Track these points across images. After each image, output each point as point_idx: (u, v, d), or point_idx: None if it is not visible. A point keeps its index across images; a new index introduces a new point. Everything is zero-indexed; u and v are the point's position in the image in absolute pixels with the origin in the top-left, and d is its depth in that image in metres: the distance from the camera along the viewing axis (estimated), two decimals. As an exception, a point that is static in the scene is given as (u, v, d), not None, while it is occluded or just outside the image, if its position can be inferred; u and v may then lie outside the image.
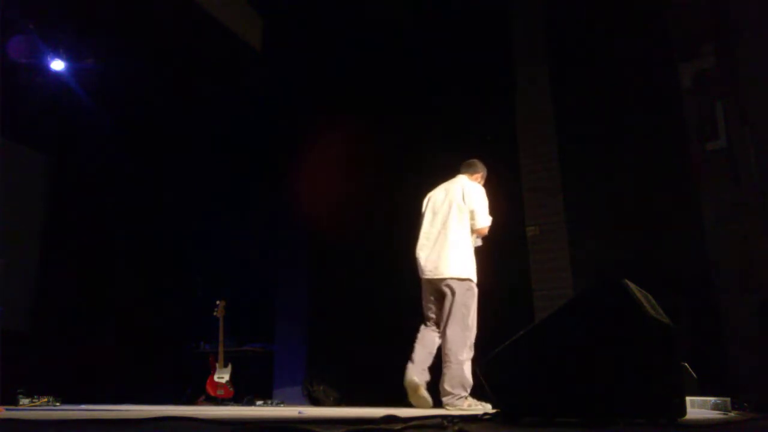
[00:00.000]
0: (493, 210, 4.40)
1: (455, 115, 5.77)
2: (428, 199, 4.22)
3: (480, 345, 4.09)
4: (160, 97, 6.63)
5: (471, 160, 4.23)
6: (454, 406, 3.64)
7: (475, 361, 4.00)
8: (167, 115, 6.91)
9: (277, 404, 5.53)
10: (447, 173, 4.48)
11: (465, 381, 3.69)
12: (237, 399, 5.75)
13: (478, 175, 4.20)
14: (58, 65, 5.91)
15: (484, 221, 3.94)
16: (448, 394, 3.68)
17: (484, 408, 3.55)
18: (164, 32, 5.86)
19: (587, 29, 5.12)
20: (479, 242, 4.11)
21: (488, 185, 4.26)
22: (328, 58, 6.36)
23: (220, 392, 5.75)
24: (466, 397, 3.69)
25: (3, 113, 5.01)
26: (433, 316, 4.03)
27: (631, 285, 2.09)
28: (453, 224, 3.94)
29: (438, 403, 3.83)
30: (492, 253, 4.35)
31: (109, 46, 5.93)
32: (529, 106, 5.26)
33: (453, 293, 3.82)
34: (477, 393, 3.95)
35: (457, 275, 3.84)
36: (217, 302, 6.05)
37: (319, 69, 6.49)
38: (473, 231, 3.98)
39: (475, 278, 3.92)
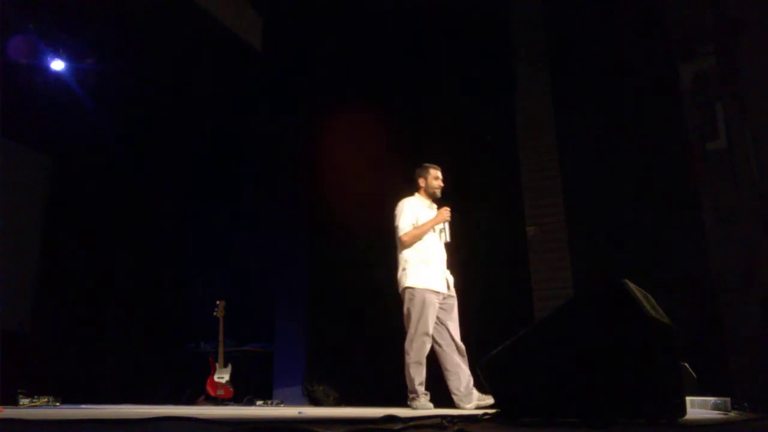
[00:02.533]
0: (493, 210, 4.42)
1: (455, 115, 5.77)
2: None
3: (480, 345, 4.10)
4: (160, 97, 6.62)
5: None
6: (410, 400, 3.88)
7: (475, 361, 4.02)
8: (167, 115, 6.90)
9: (277, 404, 5.53)
10: (446, 173, 4.48)
11: (412, 381, 3.90)
12: (237, 399, 5.74)
13: (421, 182, 4.30)
14: (58, 65, 5.91)
15: (399, 231, 4.12)
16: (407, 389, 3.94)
17: (427, 409, 3.73)
18: (164, 32, 5.85)
19: (587, 29, 5.11)
20: (445, 237, 4.18)
21: (488, 186, 4.30)
22: (328, 57, 6.36)
23: (220, 392, 5.75)
24: (412, 396, 3.88)
25: (3, 113, 5.00)
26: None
27: (631, 285, 2.09)
28: (396, 244, 4.17)
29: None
30: (492, 253, 4.35)
31: (109, 46, 5.93)
32: (529, 106, 5.26)
33: (401, 304, 4.08)
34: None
35: (400, 288, 4.09)
36: (217, 302, 6.04)
37: (318, 69, 6.49)
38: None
39: (416, 284, 4.02)
